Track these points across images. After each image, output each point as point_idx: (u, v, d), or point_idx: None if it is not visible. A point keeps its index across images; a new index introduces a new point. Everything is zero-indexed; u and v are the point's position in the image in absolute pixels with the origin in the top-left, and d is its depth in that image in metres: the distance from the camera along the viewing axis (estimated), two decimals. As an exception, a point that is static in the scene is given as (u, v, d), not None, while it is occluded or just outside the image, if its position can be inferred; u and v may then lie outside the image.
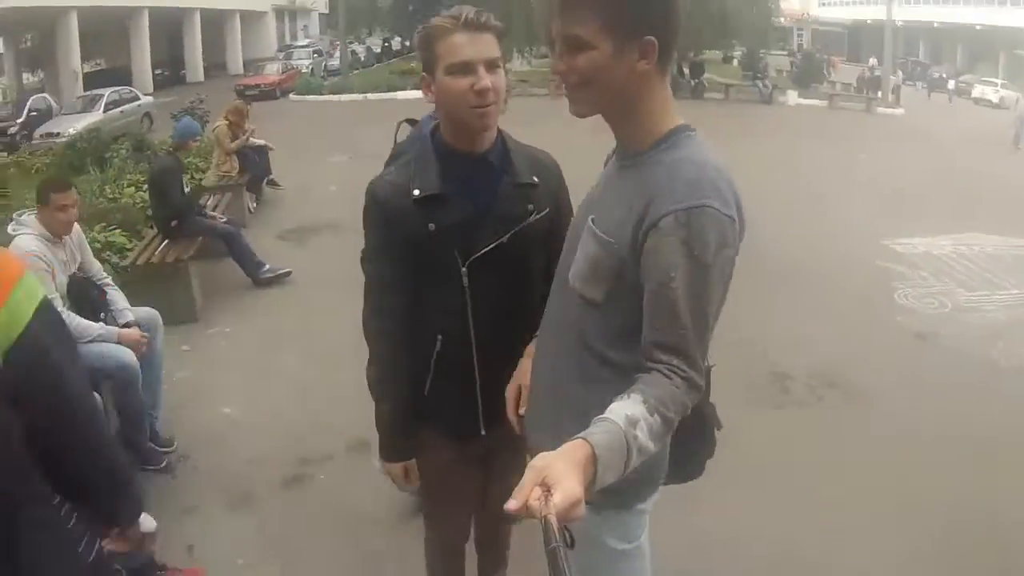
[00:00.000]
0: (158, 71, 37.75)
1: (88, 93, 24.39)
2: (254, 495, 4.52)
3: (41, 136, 20.26)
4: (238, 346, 6.70)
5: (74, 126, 19.48)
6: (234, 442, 5.03)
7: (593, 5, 1.74)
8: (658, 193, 1.71)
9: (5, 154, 18.00)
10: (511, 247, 2.31)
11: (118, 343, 4.48)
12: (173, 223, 7.38)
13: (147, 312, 5.00)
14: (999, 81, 43.18)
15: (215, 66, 43.39)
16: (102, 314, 4.69)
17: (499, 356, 2.41)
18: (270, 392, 5.73)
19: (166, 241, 7.39)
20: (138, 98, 24.27)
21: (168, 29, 40.20)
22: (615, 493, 1.78)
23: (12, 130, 22.01)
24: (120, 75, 33.11)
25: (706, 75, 31.29)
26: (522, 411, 2.28)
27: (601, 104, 1.85)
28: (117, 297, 4.82)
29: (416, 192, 2.26)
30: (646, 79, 1.79)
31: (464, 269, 2.31)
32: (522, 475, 2.70)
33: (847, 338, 6.96)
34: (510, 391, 2.34)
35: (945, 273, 9.18)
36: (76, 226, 4.76)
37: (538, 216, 2.36)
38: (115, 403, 4.55)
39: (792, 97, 31.31)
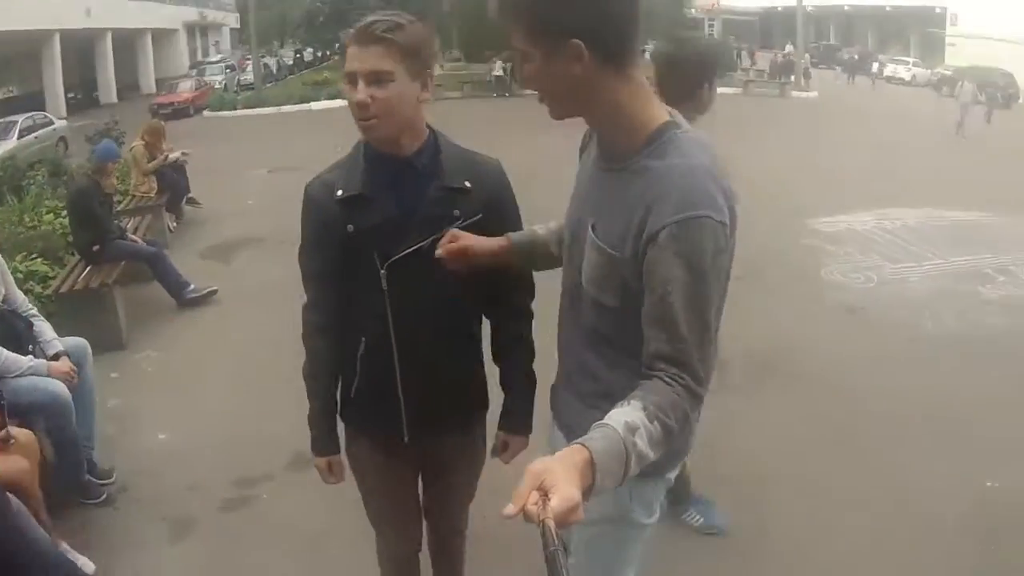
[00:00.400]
0: (71, 94, 36.76)
1: (1, 120, 23.64)
2: (197, 521, 4.42)
3: (-48, 167, 19.43)
4: (167, 370, 6.54)
5: (-11, 154, 18.77)
6: (172, 468, 4.91)
7: (515, 17, 1.76)
8: (653, 204, 1.71)
9: (-80, 187, 17.30)
10: (433, 252, 2.24)
11: (48, 376, 4.33)
12: (95, 247, 7.18)
13: (75, 342, 4.85)
14: (911, 60, 44.43)
15: (128, 87, 42.47)
16: (30, 346, 4.51)
17: (420, 361, 2.42)
18: (203, 414, 5.60)
19: (89, 267, 7.18)
20: (52, 123, 23.75)
21: (80, 51, 39.15)
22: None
23: (-74, 162, 21.06)
24: (33, 100, 32.15)
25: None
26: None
27: (565, 108, 1.86)
28: (44, 328, 4.65)
29: (339, 192, 2.27)
30: (597, 80, 1.77)
31: (383, 271, 2.29)
32: (458, 483, 2.77)
33: (780, 318, 7.04)
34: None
35: (870, 248, 9.40)
36: None
37: (465, 222, 2.30)
38: (49, 437, 4.40)
39: (705, 85, 31.54)
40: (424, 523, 2.95)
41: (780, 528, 4.15)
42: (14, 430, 3.89)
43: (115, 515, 4.53)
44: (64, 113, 31.52)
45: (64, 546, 3.91)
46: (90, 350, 4.88)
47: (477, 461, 2.81)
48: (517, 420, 2.64)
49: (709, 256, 1.69)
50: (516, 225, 2.47)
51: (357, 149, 2.35)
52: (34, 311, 4.72)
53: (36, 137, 21.97)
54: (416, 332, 2.38)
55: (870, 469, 4.66)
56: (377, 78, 2.13)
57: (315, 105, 28.76)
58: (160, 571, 4.06)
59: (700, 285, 1.70)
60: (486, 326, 2.65)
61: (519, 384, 2.63)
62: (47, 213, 9.61)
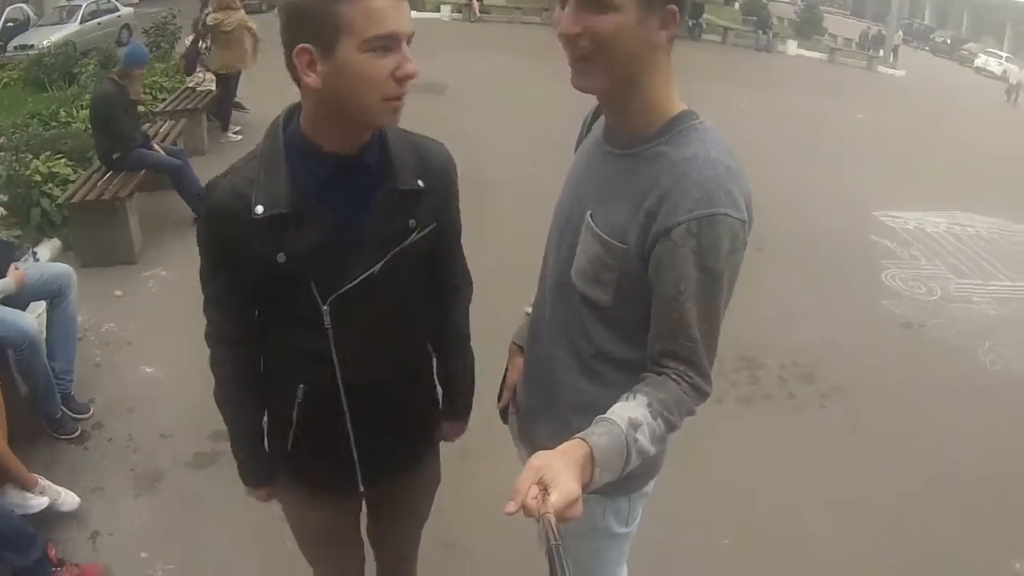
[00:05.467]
0: (147, -23, 36.46)
1: (66, 4, 23.24)
2: (163, 476, 4.18)
3: (15, 48, 19.13)
4: (173, 291, 6.18)
5: (49, 38, 18.46)
6: (150, 409, 4.67)
7: None
8: (668, 197, 1.63)
9: (-23, 68, 17.28)
10: (384, 277, 1.81)
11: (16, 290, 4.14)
12: (115, 155, 6.85)
13: (59, 268, 4.62)
14: (1004, 54, 42.47)
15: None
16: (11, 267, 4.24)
17: (376, 405, 1.99)
18: (195, 349, 5.25)
19: (107, 175, 6.87)
20: (117, 9, 23.13)
21: (158, -67, 38.70)
22: (624, 478, 1.86)
23: (-12, 42, 20.93)
24: (108, -19, 31.87)
25: (704, 16, 30.35)
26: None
27: (611, 77, 1.68)
28: None
29: (259, 209, 1.70)
30: (659, 52, 1.67)
31: (325, 308, 1.81)
32: (413, 515, 2.52)
33: (829, 323, 6.57)
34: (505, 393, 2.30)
35: (937, 255, 8.69)
36: None
37: (421, 234, 1.84)
38: (19, 372, 4.19)
39: (792, 47, 30.58)
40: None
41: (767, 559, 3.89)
42: None
43: (85, 455, 4.34)
44: (136, -1, 31.24)
45: (43, 482, 3.78)
46: (75, 279, 4.60)
47: (432, 488, 2.47)
48: (461, 410, 2.38)
49: (724, 255, 1.62)
50: (457, 229, 2.07)
51: (274, 141, 1.77)
52: None
53: (99, 23, 21.36)
54: (370, 373, 1.93)
55: (893, 511, 4.30)
56: (409, 40, 1.65)
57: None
58: (117, 527, 3.83)
59: (714, 285, 1.64)
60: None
61: (463, 376, 2.34)
62: (85, 108, 9.33)
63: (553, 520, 1.26)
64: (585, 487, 1.40)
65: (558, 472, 1.34)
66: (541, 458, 1.38)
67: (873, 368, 5.90)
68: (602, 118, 1.91)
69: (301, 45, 1.60)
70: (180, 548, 3.70)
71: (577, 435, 1.47)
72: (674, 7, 1.61)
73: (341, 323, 1.84)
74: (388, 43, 1.58)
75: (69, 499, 3.81)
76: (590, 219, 1.76)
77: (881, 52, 32.50)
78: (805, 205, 9.46)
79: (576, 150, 2.07)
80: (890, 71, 30.24)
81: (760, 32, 29.86)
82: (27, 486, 3.68)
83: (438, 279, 2.07)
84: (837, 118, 16.49)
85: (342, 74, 1.60)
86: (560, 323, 1.93)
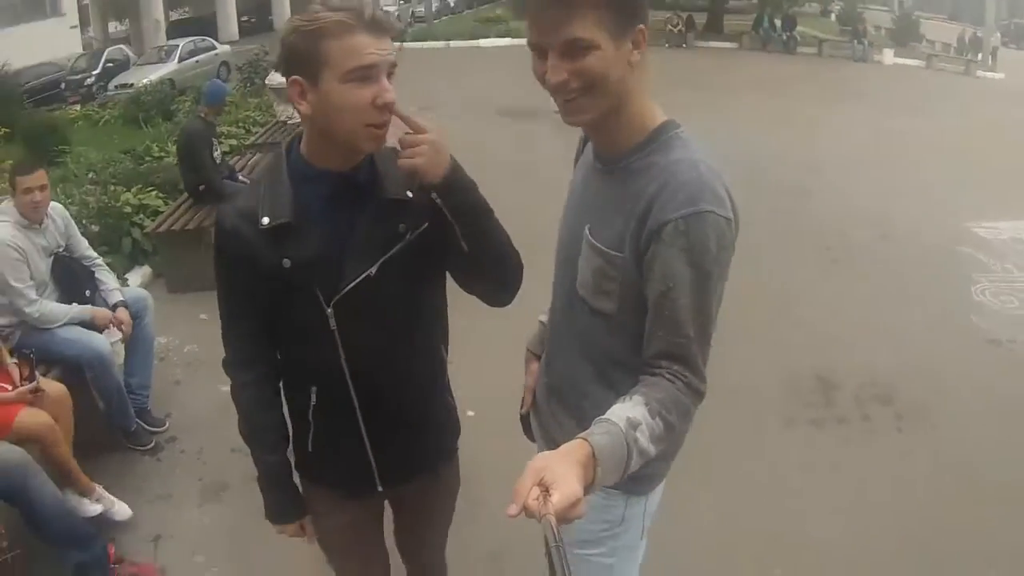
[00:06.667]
0: (244, 18, 37.59)
1: (165, 44, 24.43)
2: (228, 488, 4.38)
3: (115, 87, 20.31)
4: None
5: (148, 77, 19.46)
6: (224, 426, 4.63)
7: (588, 1, 1.64)
8: (656, 200, 1.69)
9: (78, 107, 18.24)
10: (383, 277, 1.95)
11: (92, 320, 4.45)
12: (201, 187, 7.24)
13: (137, 293, 4.96)
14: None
15: (302, 11, 43.21)
16: (88, 291, 4.59)
17: (386, 403, 2.11)
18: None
19: (195, 205, 7.28)
20: (214, 47, 24.26)
21: (257, -27, 39.84)
22: (645, 479, 1.96)
23: (89, 81, 22.09)
24: (206, 23, 32.99)
25: (799, 28, 29.95)
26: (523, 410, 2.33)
27: (603, 106, 1.74)
28: (107, 278, 4.71)
29: (265, 220, 1.89)
30: (638, 71, 1.73)
31: (330, 311, 1.96)
32: (431, 525, 2.49)
33: (910, 339, 6.28)
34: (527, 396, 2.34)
35: None
36: (60, 209, 4.65)
37: (413, 235, 1.97)
38: (94, 388, 4.50)
39: (888, 56, 29.85)
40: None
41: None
42: (46, 383, 3.95)
43: (156, 466, 4.61)
44: (236, 37, 32.41)
45: (99, 490, 4.03)
46: (151, 302, 4.93)
47: (453, 493, 2.55)
48: None
49: (713, 252, 1.67)
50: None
51: (277, 166, 1.98)
52: (98, 260, 4.78)
53: (197, 62, 22.48)
54: (377, 371, 2.07)
55: (975, 546, 4.03)
56: (392, 73, 1.86)
57: (484, 42, 28.13)
58: (178, 532, 4.07)
59: (704, 281, 1.68)
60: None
61: None
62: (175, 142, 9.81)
63: (554, 521, 1.27)
64: (587, 488, 1.39)
65: (559, 473, 1.35)
66: (542, 459, 1.39)
67: (956, 388, 5.59)
68: None
69: (293, 77, 1.82)
70: (235, 555, 3.88)
71: (578, 436, 1.48)
72: (642, 26, 1.69)
73: (346, 325, 1.99)
74: (367, 74, 1.76)
75: (122, 509, 4.06)
76: (588, 234, 1.84)
77: (979, 56, 31.50)
78: (892, 217, 9.18)
79: (575, 167, 2.15)
80: (989, 75, 29.23)
81: (856, 42, 29.32)
82: (85, 492, 3.95)
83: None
84: (931, 126, 15.97)
85: (327, 103, 1.79)
86: (575, 334, 2.00)
